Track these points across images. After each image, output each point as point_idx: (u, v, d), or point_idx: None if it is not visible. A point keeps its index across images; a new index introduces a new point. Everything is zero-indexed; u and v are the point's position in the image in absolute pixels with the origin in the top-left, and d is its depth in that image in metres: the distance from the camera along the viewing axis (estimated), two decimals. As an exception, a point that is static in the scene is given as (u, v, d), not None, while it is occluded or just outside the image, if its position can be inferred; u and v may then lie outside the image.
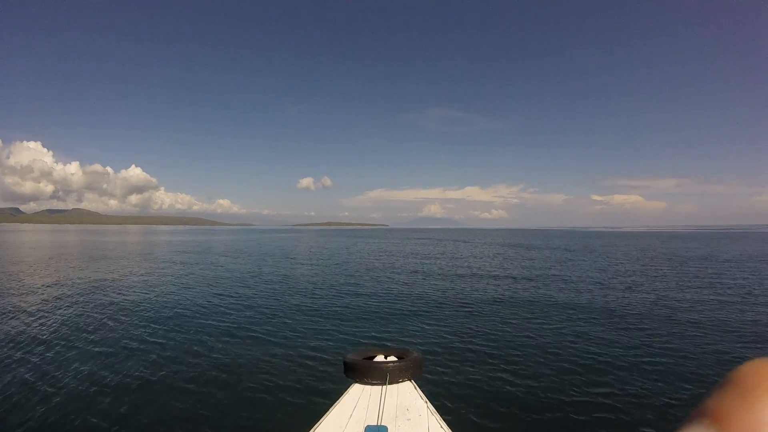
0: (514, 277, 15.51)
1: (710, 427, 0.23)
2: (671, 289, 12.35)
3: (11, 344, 6.66)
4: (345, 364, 2.27)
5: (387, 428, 1.44)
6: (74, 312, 9.07)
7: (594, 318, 8.63)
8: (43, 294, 11.41)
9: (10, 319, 8.40)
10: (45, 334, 7.31)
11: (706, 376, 5.29)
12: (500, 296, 11.30)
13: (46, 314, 8.89)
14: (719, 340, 7.00)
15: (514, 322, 8.42)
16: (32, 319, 8.48)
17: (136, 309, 9.50)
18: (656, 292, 11.94)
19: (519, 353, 6.33)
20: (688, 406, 4.31)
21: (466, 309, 9.68)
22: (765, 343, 7.08)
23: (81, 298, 10.71)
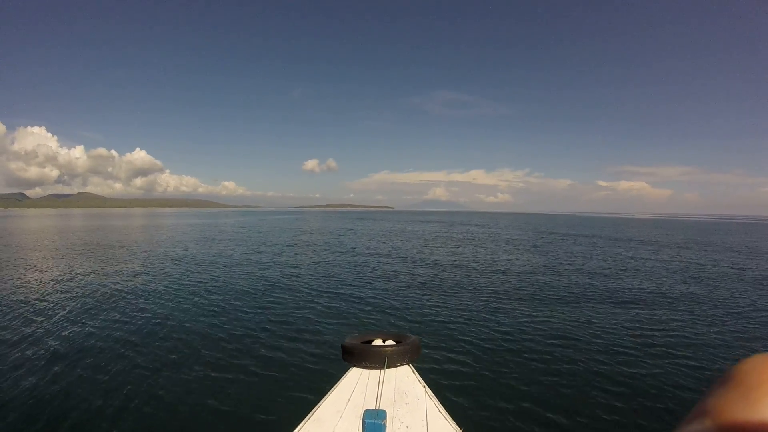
0: (553, 272, 14.24)
1: (711, 427, 0.22)
2: None
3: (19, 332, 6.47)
4: (343, 348, 2.24)
5: (386, 412, 1.48)
6: (77, 300, 8.63)
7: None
8: (48, 279, 10.98)
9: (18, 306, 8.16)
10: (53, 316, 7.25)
11: None
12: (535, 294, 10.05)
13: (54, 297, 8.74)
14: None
15: (536, 316, 7.59)
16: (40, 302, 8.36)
17: (134, 294, 9.25)
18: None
19: (525, 343, 6.04)
20: (686, 404, 4.17)
21: (486, 303, 8.63)
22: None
23: (80, 287, 9.91)
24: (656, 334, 6.52)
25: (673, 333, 6.60)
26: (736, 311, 8.17)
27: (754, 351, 5.56)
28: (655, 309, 8.12)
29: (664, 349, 5.82)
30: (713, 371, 5.07)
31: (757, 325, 7.27)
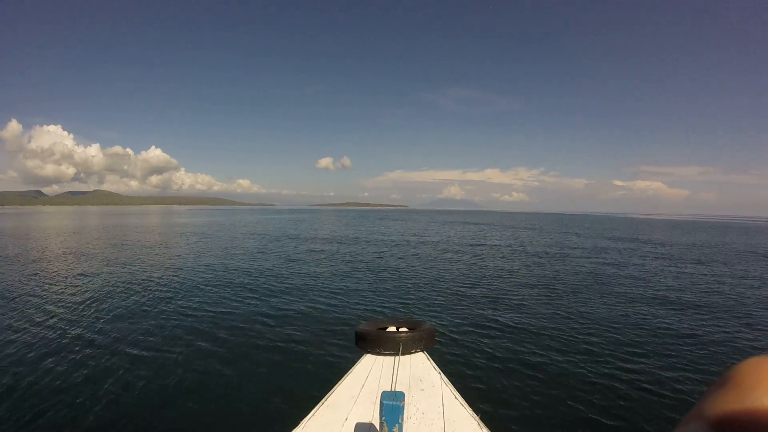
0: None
1: (708, 428, 0.22)
2: None
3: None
4: (357, 334, 2.23)
5: (404, 393, 1.42)
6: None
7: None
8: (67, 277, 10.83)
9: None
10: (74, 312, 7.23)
11: None
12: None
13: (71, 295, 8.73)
14: None
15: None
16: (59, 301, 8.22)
17: (156, 287, 9.39)
18: None
19: (539, 333, 5.94)
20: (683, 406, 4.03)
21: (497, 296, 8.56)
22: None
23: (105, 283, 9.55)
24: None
25: None
26: None
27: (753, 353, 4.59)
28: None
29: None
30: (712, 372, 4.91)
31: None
